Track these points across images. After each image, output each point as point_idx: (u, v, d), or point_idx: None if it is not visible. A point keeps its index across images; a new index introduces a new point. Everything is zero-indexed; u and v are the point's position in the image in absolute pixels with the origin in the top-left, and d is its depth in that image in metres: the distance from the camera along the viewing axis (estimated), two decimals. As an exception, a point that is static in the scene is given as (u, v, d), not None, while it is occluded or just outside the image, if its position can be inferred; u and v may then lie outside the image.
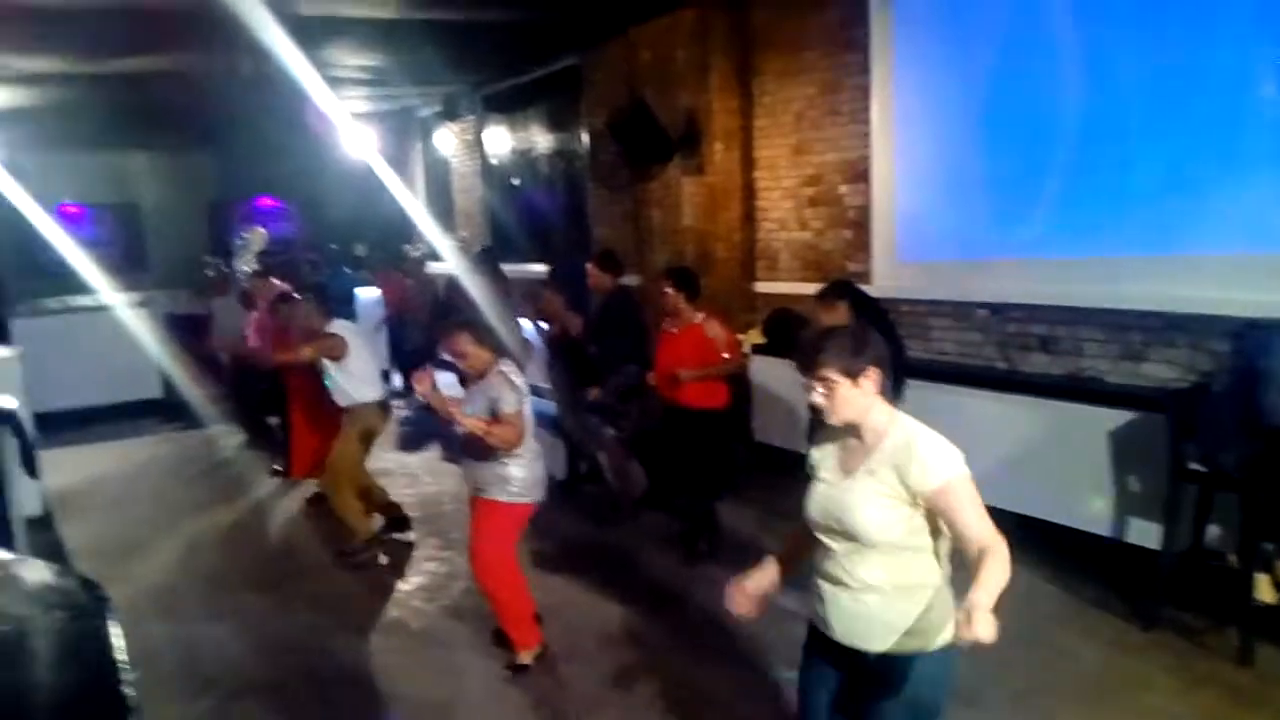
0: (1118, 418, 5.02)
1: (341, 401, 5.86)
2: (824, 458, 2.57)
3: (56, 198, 12.38)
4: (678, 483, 5.74)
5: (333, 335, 5.77)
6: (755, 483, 6.65)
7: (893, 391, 3.97)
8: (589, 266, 6.48)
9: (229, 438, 9.05)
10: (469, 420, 3.98)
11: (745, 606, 2.66)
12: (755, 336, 7.40)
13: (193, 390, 9.34)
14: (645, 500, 6.32)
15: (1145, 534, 4.89)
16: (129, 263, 12.56)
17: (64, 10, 7.11)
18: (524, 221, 11.18)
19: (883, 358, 2.44)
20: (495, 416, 4.04)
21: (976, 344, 6.07)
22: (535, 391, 4.53)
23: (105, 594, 1.47)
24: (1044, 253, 5.62)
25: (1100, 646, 4.37)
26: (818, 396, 2.42)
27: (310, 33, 7.82)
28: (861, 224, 6.74)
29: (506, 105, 11.39)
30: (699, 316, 5.42)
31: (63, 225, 11.98)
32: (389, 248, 12.11)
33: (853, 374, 2.38)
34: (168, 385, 10.24)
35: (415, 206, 13.24)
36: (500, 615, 4.37)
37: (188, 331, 9.95)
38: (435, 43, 8.80)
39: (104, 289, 10.87)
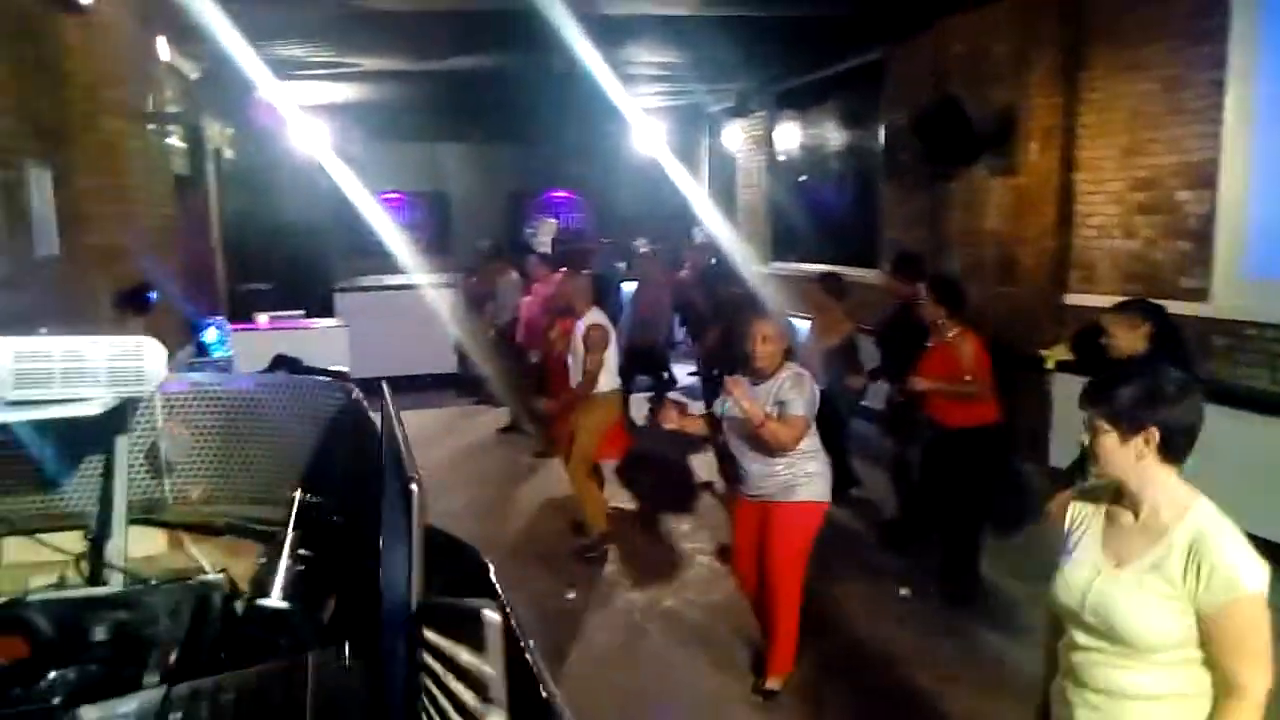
0: None
1: (584, 390, 5.85)
2: (1083, 527, 2.18)
3: (378, 185, 13.57)
4: (938, 510, 5.36)
5: (599, 326, 5.83)
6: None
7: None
8: (887, 268, 6.15)
9: (500, 415, 9.50)
10: (748, 404, 3.83)
11: None
12: (1061, 352, 6.83)
13: (484, 367, 9.91)
14: (904, 527, 5.99)
15: None
16: (436, 246, 13.55)
17: (404, 13, 7.71)
18: (809, 220, 10.98)
19: (1181, 426, 2.02)
20: (779, 415, 3.91)
21: (1341, 377, 5.27)
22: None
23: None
24: None
25: None
26: (1086, 437, 2.07)
27: (610, 31, 8.06)
28: (1202, 234, 6.03)
29: (799, 101, 11.25)
30: (954, 332, 5.03)
31: (384, 210, 13.12)
32: (669, 241, 12.33)
33: (1124, 427, 2.00)
34: (463, 361, 10.94)
35: (699, 201, 13.39)
36: (775, 630, 4.16)
37: (474, 311, 10.58)
38: (731, 39, 8.81)
39: (414, 269, 11.79)
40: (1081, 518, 2.20)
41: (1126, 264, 6.67)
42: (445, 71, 10.13)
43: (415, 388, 10.51)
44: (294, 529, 1.91)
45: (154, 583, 2.05)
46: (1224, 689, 1.94)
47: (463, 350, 10.67)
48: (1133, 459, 2.02)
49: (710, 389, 8.86)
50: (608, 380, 5.88)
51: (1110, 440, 2.03)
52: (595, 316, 5.93)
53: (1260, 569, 1.93)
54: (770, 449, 3.93)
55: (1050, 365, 6.83)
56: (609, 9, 7.57)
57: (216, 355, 7.28)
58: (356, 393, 2.22)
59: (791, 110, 11.43)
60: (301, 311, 9.96)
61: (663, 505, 6.84)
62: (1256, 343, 5.67)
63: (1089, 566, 2.10)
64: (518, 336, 8.64)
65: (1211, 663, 1.97)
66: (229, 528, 2.18)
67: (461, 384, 10.79)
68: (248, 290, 10.94)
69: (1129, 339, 4.02)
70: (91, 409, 1.77)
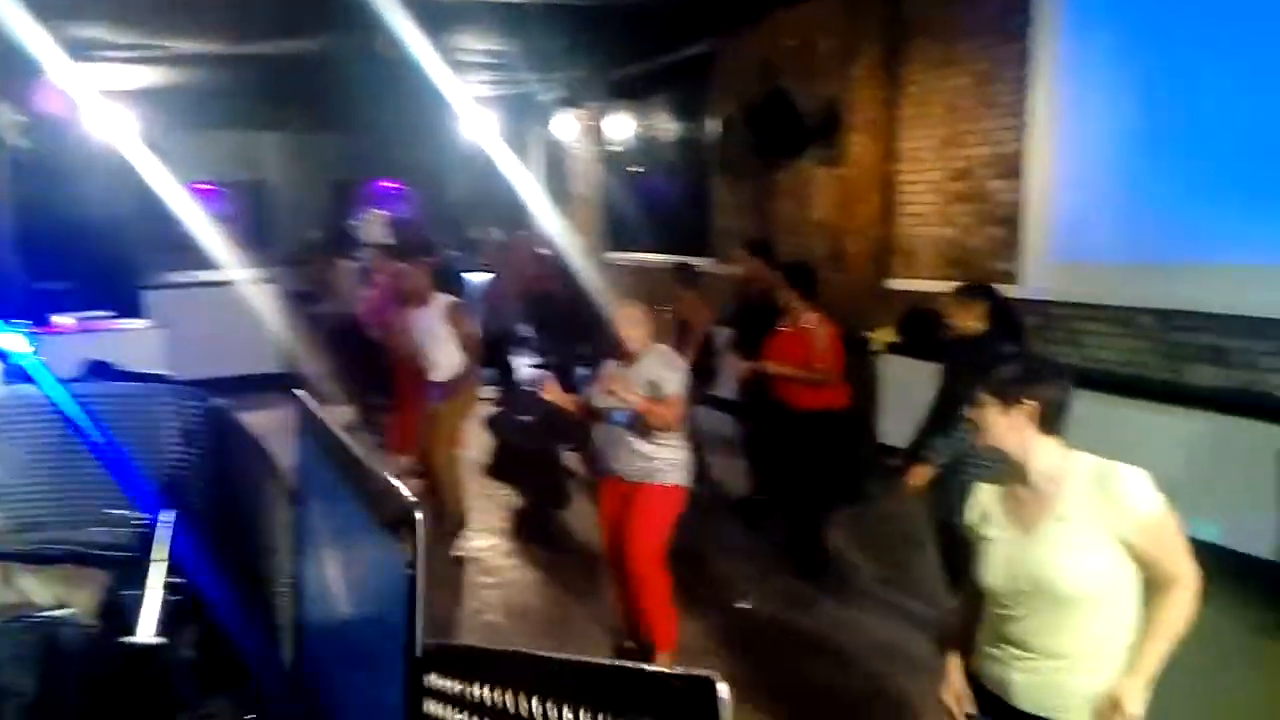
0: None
1: (441, 377, 5.76)
2: (987, 513, 2.34)
3: (190, 175, 12.75)
4: (786, 489, 5.54)
5: (460, 305, 5.79)
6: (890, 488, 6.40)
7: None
8: (740, 253, 6.19)
9: (342, 413, 9.16)
10: (634, 396, 3.86)
11: (961, 706, 2.43)
12: (889, 334, 7.16)
13: (310, 366, 9.50)
14: (753, 505, 6.15)
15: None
16: (253, 239, 12.83)
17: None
18: (642, 210, 11.08)
19: (1056, 401, 2.23)
20: (654, 398, 3.93)
21: (1137, 352, 5.73)
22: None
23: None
24: (1220, 258, 5.27)
25: (1274, 679, 4.06)
26: (971, 411, 2.31)
27: (438, 16, 7.86)
28: (1013, 221, 6.44)
29: (631, 91, 11.31)
30: (808, 319, 5.18)
31: (195, 202, 12.34)
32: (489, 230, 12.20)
33: (1005, 399, 2.23)
34: (287, 360, 10.44)
35: (530, 191, 13.26)
36: (648, 610, 4.21)
37: (303, 306, 10.13)
38: (561, 27, 8.77)
39: (229, 264, 11.15)
40: (983, 511, 2.35)
41: (945, 250, 7.05)
42: (263, 55, 9.60)
43: (240, 389, 9.95)
44: (162, 554, 1.69)
45: None
46: (1164, 586, 2.14)
47: (289, 347, 10.19)
48: (1014, 430, 2.21)
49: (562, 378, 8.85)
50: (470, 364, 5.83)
51: (994, 414, 2.24)
52: (447, 300, 5.84)
53: (1151, 483, 2.14)
54: (650, 431, 3.95)
55: (877, 348, 7.14)
56: (437, -9, 7.39)
57: (22, 364, 6.62)
58: (218, 400, 2.04)
59: (623, 101, 11.48)
60: (110, 312, 9.23)
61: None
62: (1063, 321, 6.12)
63: (1005, 544, 2.25)
64: (363, 328, 8.34)
65: (1155, 577, 2.15)
66: (68, 555, 1.95)
67: (289, 383, 10.29)
68: (43, 290, 10.05)
69: (968, 319, 4.25)
70: None
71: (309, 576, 1.37)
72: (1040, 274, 6.26)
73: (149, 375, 5.46)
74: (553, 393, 4.13)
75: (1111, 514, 2.11)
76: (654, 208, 10.95)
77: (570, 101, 12.27)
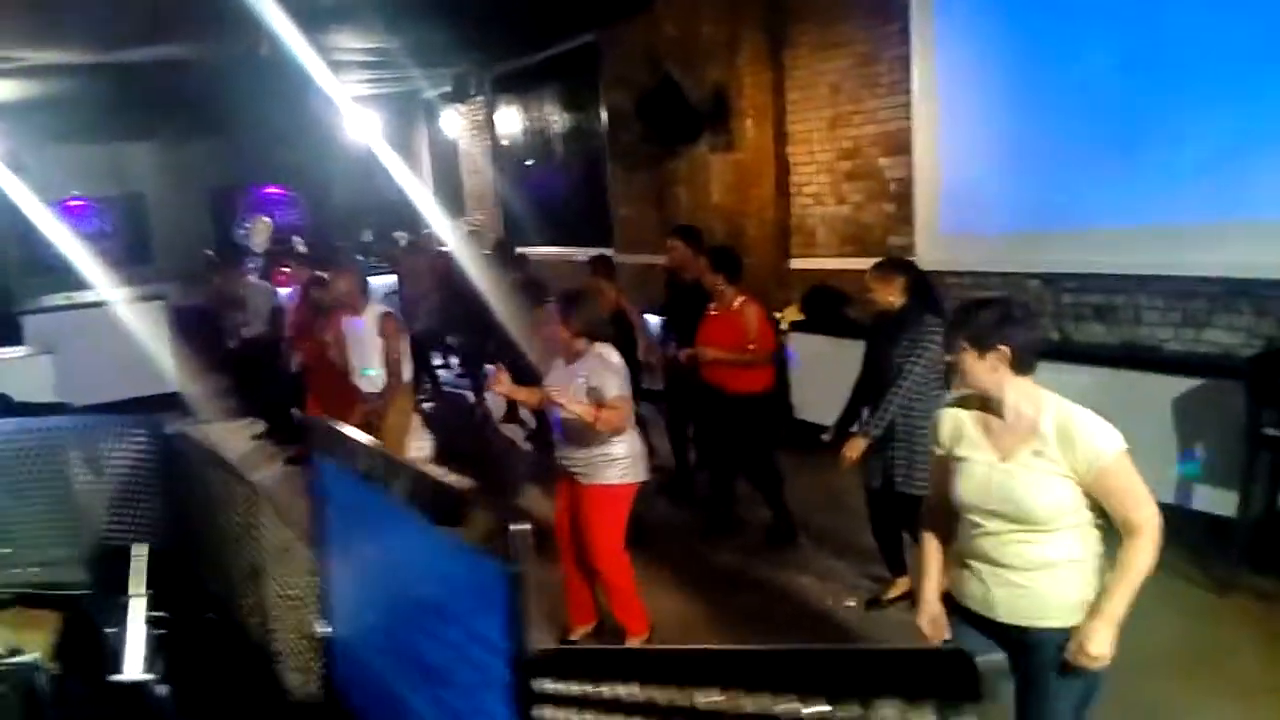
0: (1182, 385, 4.98)
1: (368, 387, 5.70)
2: (960, 435, 2.53)
3: (59, 192, 12.16)
4: (725, 468, 5.67)
5: (392, 315, 5.71)
6: (804, 462, 6.58)
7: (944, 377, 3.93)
8: (671, 241, 6.23)
9: (249, 429, 8.91)
10: (579, 408, 3.87)
11: (938, 630, 2.60)
12: (793, 313, 7.33)
13: (203, 383, 9.22)
14: (679, 484, 6.27)
15: (1215, 501, 4.85)
16: (133, 255, 12.36)
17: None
18: (538, 204, 11.05)
19: (1028, 343, 2.42)
20: (595, 401, 3.95)
21: (1028, 315, 6.01)
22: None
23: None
24: (1099, 222, 5.56)
25: (1178, 616, 4.33)
26: (950, 356, 2.47)
27: (316, 15, 7.68)
28: (903, 196, 6.67)
29: (518, 85, 11.25)
30: (737, 301, 5.27)
31: (66, 220, 11.78)
32: (392, 233, 11.99)
33: (981, 345, 2.39)
34: (180, 379, 10.08)
35: (420, 191, 13.07)
36: (615, 602, 4.29)
37: (195, 323, 9.79)
38: (444, 22, 8.66)
39: (108, 283, 10.70)
40: (954, 429, 2.54)
41: (841, 228, 7.26)
42: (129, 63, 9.20)
43: (132, 412, 9.56)
44: (140, 588, 1.63)
45: None
46: (1124, 531, 2.33)
47: (181, 366, 9.84)
48: (989, 372, 2.39)
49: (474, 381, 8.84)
50: (405, 372, 5.76)
51: (970, 358, 2.40)
52: (380, 308, 5.76)
53: (1114, 432, 2.34)
54: (593, 435, 3.97)
55: (785, 326, 7.30)
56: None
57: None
58: (171, 428, 1.98)
59: (511, 94, 11.41)
60: (-20, 341, 8.77)
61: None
62: (956, 290, 6.32)
63: (982, 464, 2.45)
64: (283, 341, 8.12)
65: (1117, 519, 2.35)
66: (16, 599, 1.86)
67: (181, 403, 9.94)
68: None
69: (888, 292, 4.39)
70: None
71: (341, 596, 1.34)
72: (933, 246, 6.49)
73: (37, 406, 5.25)
74: (504, 385, 4.10)
75: (1071, 455, 2.31)
76: (550, 200, 10.93)
77: (457, 96, 12.12)
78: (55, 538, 1.91)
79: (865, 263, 6.82)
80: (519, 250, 8.96)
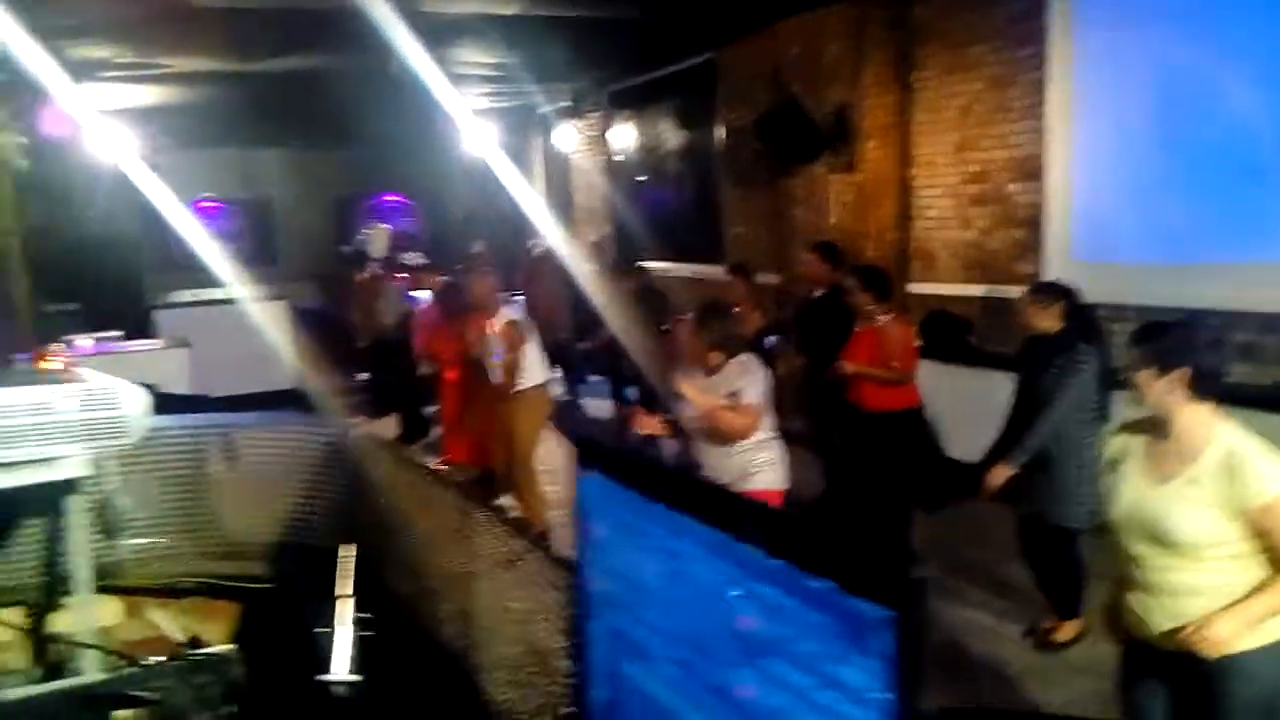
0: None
1: (517, 387, 5.84)
2: (1125, 453, 2.51)
3: (192, 193, 12.72)
4: (863, 490, 5.53)
5: (515, 321, 5.85)
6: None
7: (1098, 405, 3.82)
8: (806, 255, 6.24)
9: (381, 428, 9.11)
10: (703, 397, 3.85)
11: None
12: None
13: (327, 383, 9.47)
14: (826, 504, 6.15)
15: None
16: (259, 257, 12.83)
17: (217, 10, 7.25)
18: (650, 219, 11.09)
19: (1210, 368, 2.37)
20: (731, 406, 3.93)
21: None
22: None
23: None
24: (1246, 256, 5.31)
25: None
26: (1132, 375, 2.42)
27: (437, 31, 7.88)
28: (1033, 223, 6.48)
29: (634, 101, 11.33)
30: (884, 318, 5.26)
31: (198, 220, 12.30)
32: (507, 244, 12.18)
33: (1160, 366, 2.36)
34: (301, 377, 10.40)
35: (535, 204, 13.26)
36: None
37: (318, 323, 10.09)
38: (560, 39, 8.78)
39: (236, 283, 11.11)
40: (1123, 449, 2.53)
41: (964, 253, 7.09)
42: (263, 73, 9.60)
43: (255, 406, 9.90)
44: (347, 588, 1.66)
45: (149, 663, 1.66)
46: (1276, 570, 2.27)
47: (305, 364, 10.16)
48: (1165, 393, 2.36)
49: (617, 389, 8.91)
50: (537, 375, 5.88)
51: (1148, 376, 2.38)
52: (510, 313, 5.93)
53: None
54: (724, 438, 3.94)
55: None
56: (434, 7, 7.40)
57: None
58: (344, 428, 2.02)
59: (627, 110, 11.50)
60: (119, 333, 9.19)
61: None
62: (1087, 322, 6.14)
63: (1137, 487, 2.42)
64: (415, 344, 8.37)
65: (1272, 559, 2.28)
66: (199, 588, 1.93)
67: (301, 400, 10.25)
68: (53, 313, 10.02)
69: (1045, 317, 4.29)
70: (68, 470, 1.54)
71: (607, 617, 1.24)
72: (1062, 274, 6.23)
73: (188, 398, 5.46)
74: (647, 425, 4.11)
75: (1235, 489, 2.25)
76: (662, 216, 10.96)
77: (573, 112, 12.29)
78: (235, 531, 1.97)
79: (989, 289, 6.77)
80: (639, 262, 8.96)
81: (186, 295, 11.44)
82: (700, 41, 9.39)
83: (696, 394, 3.89)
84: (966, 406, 6.53)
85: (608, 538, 1.50)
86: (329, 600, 1.72)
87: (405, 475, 1.79)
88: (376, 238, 12.99)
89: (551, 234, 12.17)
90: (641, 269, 8.62)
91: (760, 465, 4.04)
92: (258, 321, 10.23)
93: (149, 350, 8.30)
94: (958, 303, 6.93)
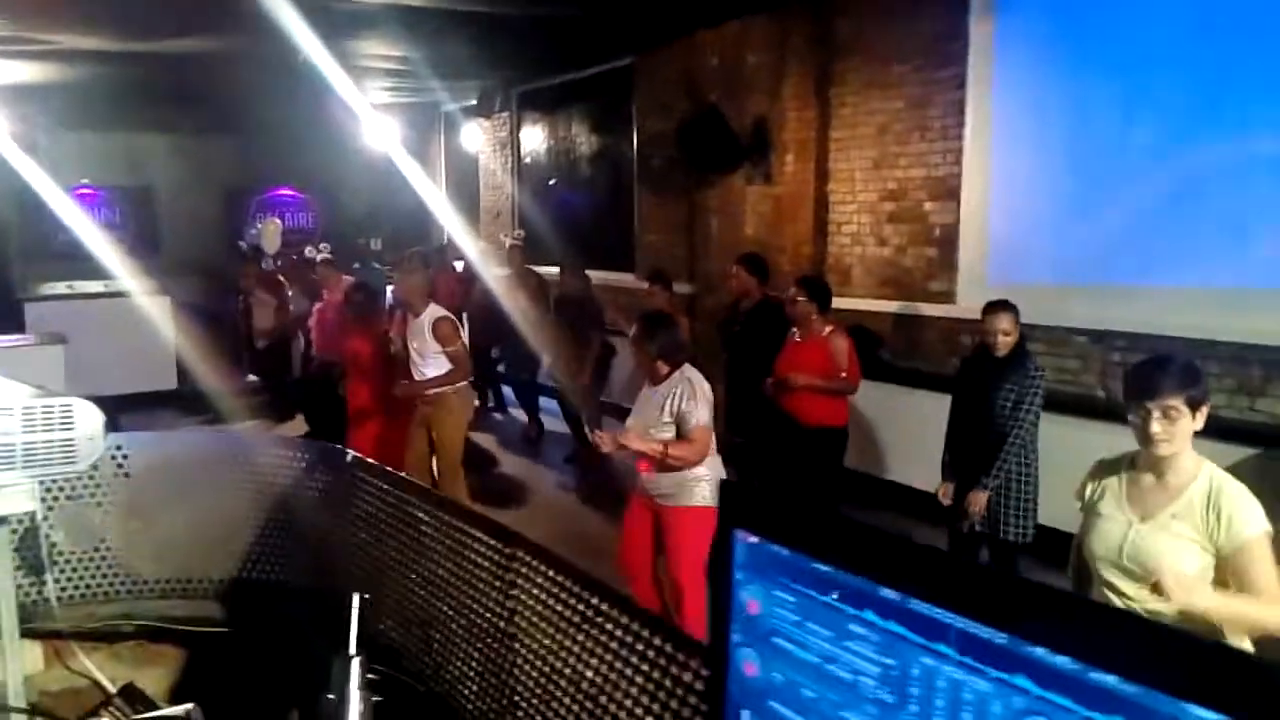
0: (1235, 454, 4.88)
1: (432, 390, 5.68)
2: (1105, 491, 2.48)
3: (71, 178, 11.94)
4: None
5: (450, 318, 5.69)
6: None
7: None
8: (734, 268, 6.21)
9: (280, 428, 8.70)
10: (650, 446, 3.83)
11: None
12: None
13: (214, 382, 9.00)
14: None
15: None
16: (141, 247, 12.11)
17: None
18: (559, 223, 10.90)
19: (1207, 400, 2.35)
20: (678, 425, 3.89)
21: (1073, 371, 5.93)
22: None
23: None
24: (1154, 280, 5.49)
25: None
26: (1156, 425, 2.26)
27: (342, 22, 7.58)
28: (948, 242, 6.59)
29: (545, 103, 11.15)
30: (827, 329, 5.28)
31: (76, 207, 11.57)
32: (405, 243, 11.82)
33: (1195, 405, 2.29)
34: (183, 376, 9.87)
35: (439, 203, 12.94)
36: (689, 613, 4.06)
37: (205, 320, 9.62)
38: (469, 36, 8.56)
39: (114, 274, 10.49)
40: (1100, 486, 2.50)
41: (878, 269, 7.16)
42: (153, 53, 9.05)
43: (133, 406, 9.35)
44: (353, 647, 1.39)
45: None
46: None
47: (185, 364, 9.64)
48: (1192, 432, 2.30)
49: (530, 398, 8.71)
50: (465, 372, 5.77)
51: (1186, 421, 2.27)
52: (438, 311, 5.72)
53: (1262, 514, 2.25)
54: (678, 468, 3.91)
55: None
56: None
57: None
58: (337, 452, 1.79)
59: (537, 112, 11.31)
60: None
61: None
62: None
63: (1120, 522, 2.39)
64: (314, 343, 8.00)
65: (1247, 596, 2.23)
66: (140, 631, 1.67)
67: (183, 400, 9.71)
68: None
69: (1017, 330, 4.45)
70: (12, 502, 1.30)
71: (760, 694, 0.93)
72: (975, 294, 6.36)
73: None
74: (608, 444, 3.98)
75: (1214, 525, 2.24)
76: (571, 220, 10.79)
77: (481, 110, 12.02)
78: (187, 566, 1.73)
79: (903, 306, 6.85)
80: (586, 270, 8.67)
81: (61, 287, 10.75)
82: (618, 46, 9.28)
83: (641, 443, 3.85)
84: (880, 422, 6.61)
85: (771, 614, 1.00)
86: (301, 649, 1.51)
87: (423, 514, 1.57)
88: (268, 232, 12.46)
89: (457, 234, 11.90)
90: (585, 274, 8.39)
91: (693, 481, 3.97)
92: (140, 316, 9.68)
93: (19, 346, 7.72)
94: (871, 318, 6.99)
